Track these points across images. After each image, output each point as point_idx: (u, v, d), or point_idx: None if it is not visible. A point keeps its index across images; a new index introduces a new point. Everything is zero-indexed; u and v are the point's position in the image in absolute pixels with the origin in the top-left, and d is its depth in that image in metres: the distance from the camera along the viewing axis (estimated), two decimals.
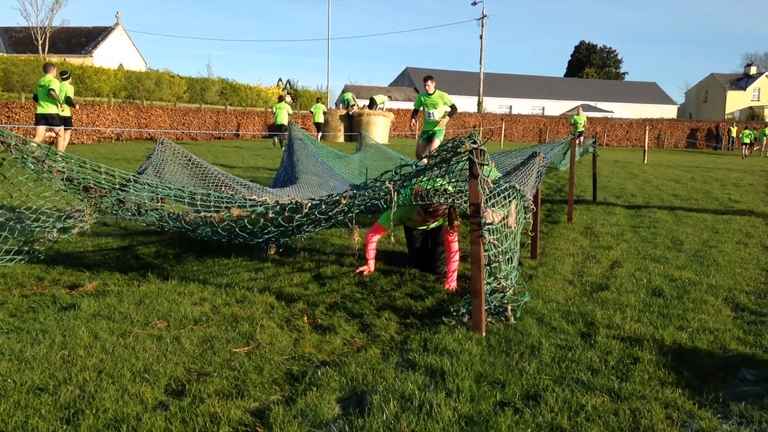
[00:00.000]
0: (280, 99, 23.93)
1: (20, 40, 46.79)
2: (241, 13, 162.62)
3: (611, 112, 60.22)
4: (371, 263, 4.83)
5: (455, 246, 4.53)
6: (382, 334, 3.53)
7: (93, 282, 4.33)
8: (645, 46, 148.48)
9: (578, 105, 25.49)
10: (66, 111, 13.28)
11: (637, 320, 3.81)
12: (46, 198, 4.76)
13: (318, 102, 26.11)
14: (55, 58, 28.48)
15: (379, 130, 27.87)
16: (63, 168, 3.72)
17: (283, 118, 22.40)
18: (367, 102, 30.05)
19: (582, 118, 24.02)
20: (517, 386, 2.82)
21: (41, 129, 12.91)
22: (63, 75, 13.80)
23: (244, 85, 34.11)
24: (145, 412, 2.49)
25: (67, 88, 13.42)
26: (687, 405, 2.69)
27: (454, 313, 3.69)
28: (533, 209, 4.35)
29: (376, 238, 4.82)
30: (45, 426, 2.36)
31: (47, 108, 12.96)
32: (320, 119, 25.50)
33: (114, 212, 4.32)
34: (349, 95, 29.43)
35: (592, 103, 61.79)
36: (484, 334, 3.45)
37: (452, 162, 3.61)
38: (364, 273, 4.76)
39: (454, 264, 4.53)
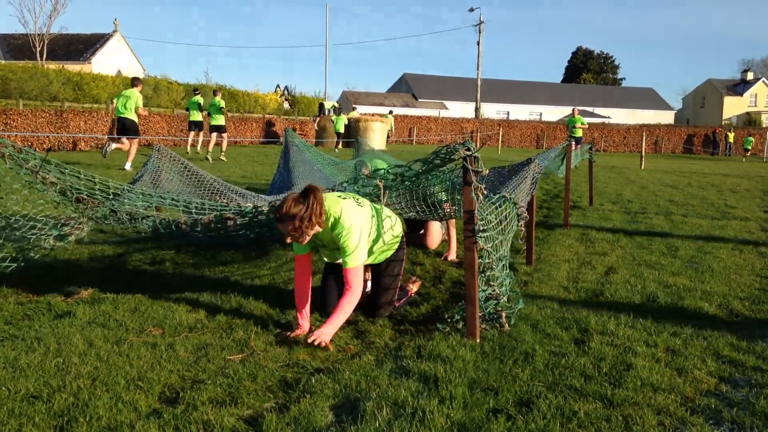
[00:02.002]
0: (338, 111, 28.29)
1: (18, 47, 46.79)
2: (239, 20, 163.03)
3: (608, 117, 60.32)
4: (304, 323, 3.62)
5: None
6: (377, 340, 3.54)
7: (88, 289, 4.33)
8: (642, 51, 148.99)
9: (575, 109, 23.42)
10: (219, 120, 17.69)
11: (631, 326, 3.82)
12: (41, 206, 4.77)
13: (340, 113, 27.66)
14: (53, 65, 28.47)
15: (376, 136, 27.95)
16: (56, 179, 3.73)
17: (341, 127, 26.66)
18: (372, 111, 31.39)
19: (579, 121, 21.01)
20: (510, 393, 2.82)
21: (214, 136, 17.55)
22: (196, 92, 18.35)
23: (242, 92, 34.10)
24: (138, 419, 2.50)
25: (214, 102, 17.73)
26: (679, 411, 2.70)
27: (449, 320, 3.70)
28: (526, 217, 4.36)
29: (304, 283, 3.69)
30: None
31: (219, 120, 17.53)
32: (341, 129, 27.22)
33: (108, 222, 4.33)
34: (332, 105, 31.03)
35: (590, 109, 61.88)
36: (478, 341, 3.46)
37: (444, 170, 3.63)
38: (295, 335, 3.52)
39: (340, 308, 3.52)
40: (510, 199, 4.12)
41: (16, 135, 16.98)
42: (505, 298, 3.77)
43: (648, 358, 3.29)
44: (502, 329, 3.66)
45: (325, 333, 3.40)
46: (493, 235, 3.71)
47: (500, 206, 4.01)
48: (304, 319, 3.63)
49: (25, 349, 3.16)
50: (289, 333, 3.54)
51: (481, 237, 3.52)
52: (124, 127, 13.02)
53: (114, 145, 12.94)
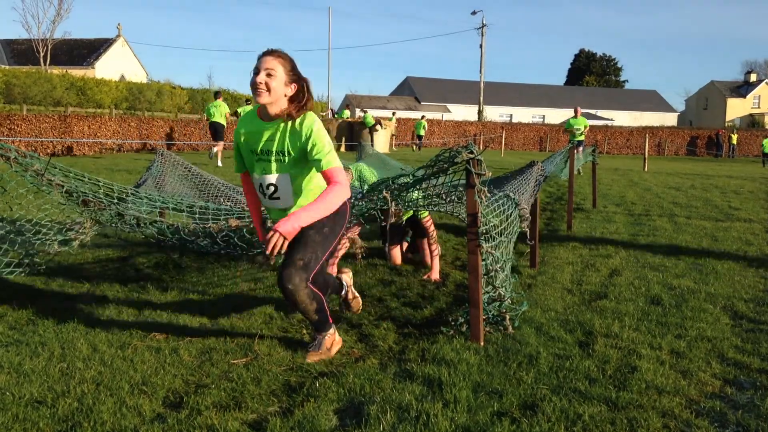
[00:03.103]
0: (375, 122, 29.41)
1: (22, 52, 46.97)
2: (242, 24, 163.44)
3: (611, 120, 60.26)
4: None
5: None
6: (381, 344, 3.53)
7: (93, 294, 4.34)
8: (645, 53, 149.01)
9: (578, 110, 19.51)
10: None
11: (635, 329, 3.82)
12: (46, 210, 4.78)
13: (247, 104, 28.09)
14: (57, 70, 28.61)
15: (379, 139, 27.96)
16: (62, 182, 3.74)
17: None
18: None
19: (582, 123, 17.81)
20: (514, 396, 2.82)
21: None
22: (248, 102, 21.35)
23: (245, 96, 34.26)
24: (143, 424, 2.50)
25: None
26: (684, 414, 2.69)
27: (453, 323, 3.70)
28: (528, 218, 4.35)
29: (256, 199, 3.42)
30: None
31: None
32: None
33: (113, 225, 4.34)
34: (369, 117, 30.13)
35: (593, 111, 61.83)
36: (482, 344, 3.45)
37: (449, 172, 3.63)
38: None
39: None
40: (512, 198, 4.11)
41: (20, 140, 17.03)
42: (508, 301, 3.77)
43: (652, 361, 3.28)
44: (506, 332, 3.65)
45: (283, 227, 2.85)
46: (495, 237, 3.71)
47: (503, 206, 4.00)
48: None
49: (30, 354, 3.17)
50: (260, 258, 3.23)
51: (484, 240, 3.52)
52: (215, 131, 17.36)
53: (216, 149, 17.11)
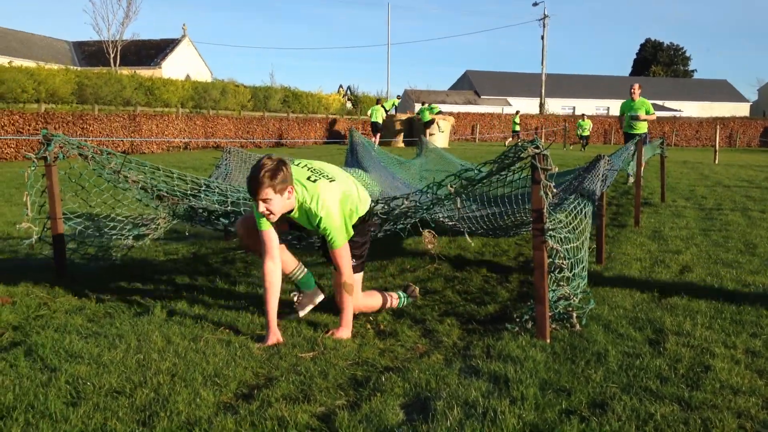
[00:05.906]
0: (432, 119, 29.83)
1: (93, 53, 48.62)
2: (303, 22, 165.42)
3: (680, 111, 58.37)
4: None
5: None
6: (445, 340, 3.54)
7: (165, 287, 4.48)
8: (714, 42, 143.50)
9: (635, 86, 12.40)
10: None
11: (708, 327, 3.71)
12: (121, 206, 4.97)
13: (377, 104, 27.04)
14: (125, 71, 29.55)
15: (439, 134, 27.82)
16: (137, 178, 3.88)
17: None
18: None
19: (641, 106, 12.22)
20: (583, 394, 2.78)
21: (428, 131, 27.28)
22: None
23: (305, 93, 34.65)
24: (216, 415, 2.57)
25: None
26: (761, 415, 2.61)
27: (518, 320, 3.67)
28: (602, 215, 4.28)
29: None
30: (122, 428, 2.46)
31: (427, 119, 27.22)
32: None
33: (186, 219, 4.47)
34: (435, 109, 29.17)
35: (660, 102, 59.99)
36: (548, 341, 3.42)
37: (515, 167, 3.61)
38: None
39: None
40: (587, 196, 4.05)
41: (92, 139, 17.70)
42: (576, 299, 3.71)
43: (727, 360, 3.19)
44: (572, 329, 3.60)
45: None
46: (565, 236, 3.65)
47: (578, 207, 3.95)
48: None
49: (108, 346, 3.30)
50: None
51: (551, 236, 3.47)
52: (375, 128, 25.69)
53: (374, 140, 22.56)
